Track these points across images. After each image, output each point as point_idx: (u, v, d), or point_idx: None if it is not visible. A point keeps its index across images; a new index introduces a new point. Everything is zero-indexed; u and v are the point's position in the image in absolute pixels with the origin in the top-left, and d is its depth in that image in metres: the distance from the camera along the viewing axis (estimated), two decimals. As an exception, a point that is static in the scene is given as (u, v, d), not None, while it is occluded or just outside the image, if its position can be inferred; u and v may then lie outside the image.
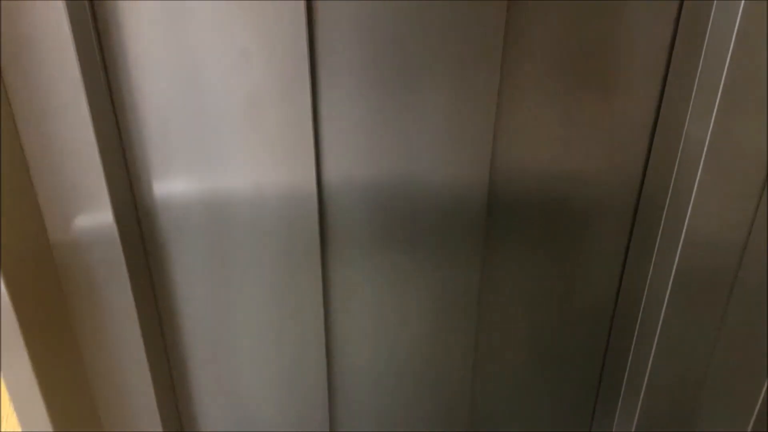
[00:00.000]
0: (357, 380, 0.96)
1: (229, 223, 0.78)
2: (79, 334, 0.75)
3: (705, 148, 0.67)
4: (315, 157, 0.75)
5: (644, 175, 0.81)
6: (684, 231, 0.71)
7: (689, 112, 0.71)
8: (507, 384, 1.01)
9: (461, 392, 0.98)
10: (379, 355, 0.94)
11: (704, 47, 0.67)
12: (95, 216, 0.68)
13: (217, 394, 0.93)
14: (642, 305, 0.83)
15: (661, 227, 0.77)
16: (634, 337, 0.85)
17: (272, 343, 0.88)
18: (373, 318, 0.90)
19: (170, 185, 0.75)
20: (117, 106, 0.70)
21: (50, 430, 0.70)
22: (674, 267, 0.74)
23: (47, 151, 0.65)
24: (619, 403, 0.92)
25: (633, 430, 0.87)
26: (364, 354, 0.94)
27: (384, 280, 0.87)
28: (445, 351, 0.93)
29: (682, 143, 0.72)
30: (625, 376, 0.89)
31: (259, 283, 0.83)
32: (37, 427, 0.70)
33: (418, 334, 0.92)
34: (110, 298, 0.73)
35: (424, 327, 0.91)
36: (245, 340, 0.88)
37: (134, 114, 0.71)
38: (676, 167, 0.74)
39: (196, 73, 0.69)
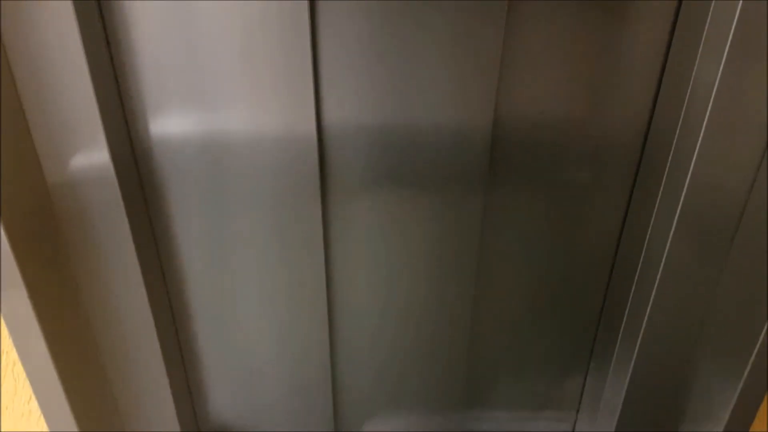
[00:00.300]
0: (357, 321, 0.97)
1: (227, 164, 0.77)
2: (78, 274, 0.75)
3: (714, 92, 0.66)
4: (315, 97, 0.74)
5: (651, 118, 0.80)
6: (689, 174, 0.70)
7: (699, 55, 0.69)
8: (506, 325, 1.02)
9: (460, 333, 0.98)
10: (379, 296, 0.94)
11: (717, -13, 0.65)
12: (91, 156, 0.67)
13: (218, 333, 0.93)
14: (644, 248, 0.82)
15: (667, 170, 0.76)
16: (635, 280, 0.85)
17: (272, 284, 0.89)
18: (373, 260, 0.90)
19: (167, 125, 0.74)
20: (112, 45, 0.68)
21: (51, 365, 0.71)
22: (678, 210, 0.73)
23: (42, 91, 0.64)
24: (617, 346, 0.93)
25: (630, 372, 0.88)
26: (364, 295, 0.94)
27: (385, 223, 0.86)
28: (444, 293, 0.94)
29: (690, 86, 0.71)
30: (624, 319, 0.89)
31: (258, 225, 0.83)
32: (37, 364, 0.71)
33: (418, 274, 0.92)
34: (109, 237, 0.73)
35: (425, 268, 0.91)
36: (245, 281, 0.88)
37: (130, 53, 0.69)
38: (683, 111, 0.73)
39: (192, 10, 0.67)
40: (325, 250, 0.86)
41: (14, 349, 0.71)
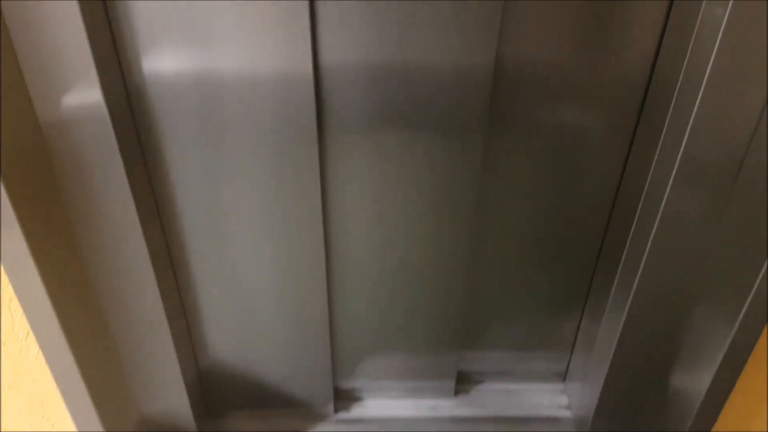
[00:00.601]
0: (355, 262, 0.97)
1: (222, 104, 0.76)
2: (73, 213, 0.75)
3: (719, 36, 0.64)
4: (311, 36, 0.72)
5: (655, 62, 0.79)
6: (692, 117, 0.69)
7: (705, -2, 0.67)
8: (503, 267, 1.03)
9: (458, 275, 0.99)
10: (377, 238, 0.94)
11: None
12: (84, 94, 0.65)
13: (215, 273, 0.94)
14: (644, 193, 0.82)
15: (669, 116, 0.75)
16: (633, 225, 0.85)
17: (269, 225, 0.89)
18: (371, 202, 0.90)
19: (160, 64, 0.72)
20: (101, -22, 0.66)
21: (48, 302, 0.71)
22: (679, 156, 0.72)
23: (32, 28, 0.62)
24: (613, 289, 0.93)
25: (624, 315, 0.89)
26: (362, 237, 0.94)
27: (383, 165, 0.86)
28: (443, 236, 0.94)
29: (695, 30, 0.69)
30: (621, 262, 0.90)
31: (254, 167, 0.82)
32: (34, 300, 0.71)
33: (417, 218, 0.92)
34: (103, 176, 0.72)
35: (424, 211, 0.91)
36: (242, 222, 0.88)
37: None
38: (687, 56, 0.71)
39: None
40: (322, 192, 0.86)
41: (10, 286, 0.71)
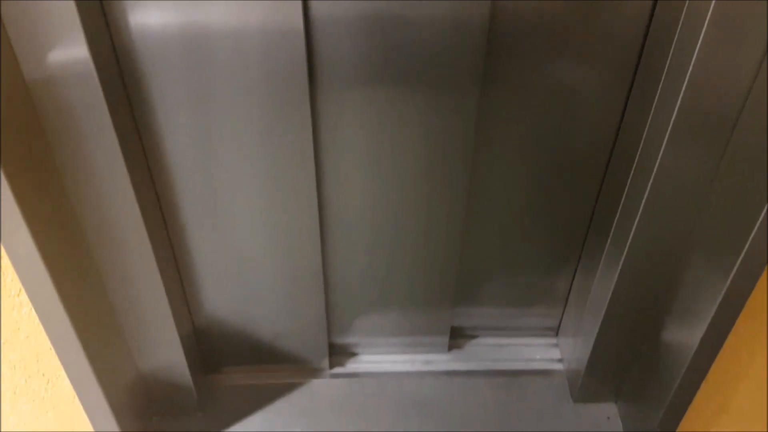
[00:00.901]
0: (348, 218, 0.97)
1: (211, 58, 0.74)
2: (64, 170, 0.74)
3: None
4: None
5: (653, 12, 0.77)
6: (691, 67, 0.68)
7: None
8: (498, 223, 1.03)
9: (452, 231, 0.99)
10: (370, 195, 0.94)
11: None
12: (70, 51, 0.64)
13: (208, 227, 0.93)
14: (640, 146, 0.81)
15: (668, 64, 0.74)
16: (629, 178, 0.85)
17: (262, 182, 0.88)
18: (364, 157, 0.89)
19: (148, 18, 0.70)
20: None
21: (39, 260, 0.71)
22: (676, 108, 0.72)
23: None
24: (607, 244, 0.94)
25: (618, 269, 0.89)
26: (355, 192, 0.93)
27: (376, 120, 0.84)
28: (438, 191, 0.93)
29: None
30: (617, 217, 0.90)
31: (245, 122, 0.81)
32: (24, 257, 0.71)
33: (411, 173, 0.91)
34: (92, 133, 0.71)
35: (418, 166, 0.90)
36: (234, 179, 0.87)
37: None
38: (686, 5, 0.69)
39: None
40: (314, 147, 0.85)
41: (0, 245, 0.71)
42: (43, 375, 0.88)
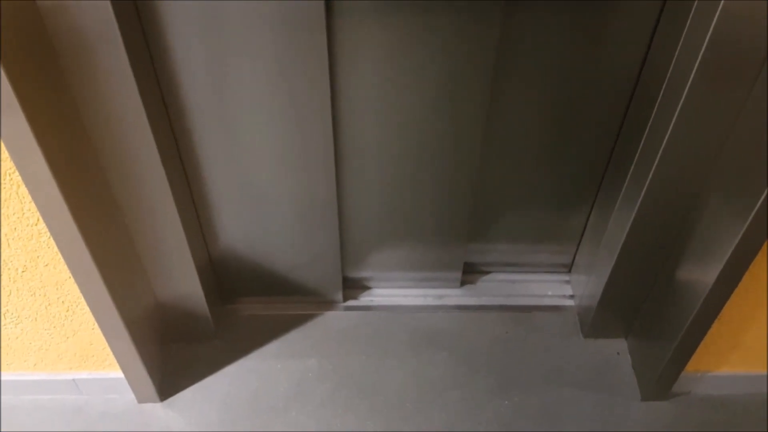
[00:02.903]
0: (364, 152, 0.96)
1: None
2: (78, 97, 0.73)
3: None
4: None
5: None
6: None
7: None
8: (515, 157, 1.02)
9: (469, 164, 0.98)
10: (386, 125, 0.93)
11: None
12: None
13: (222, 163, 0.93)
14: (666, 79, 0.79)
15: None
16: (653, 113, 0.83)
17: (276, 111, 0.87)
18: (382, 85, 0.87)
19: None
20: None
21: (56, 187, 0.71)
22: (706, 39, 0.69)
23: None
24: (627, 180, 0.93)
25: (636, 207, 0.88)
26: (371, 124, 0.92)
27: (395, 45, 0.82)
28: (455, 123, 0.92)
29: None
30: (637, 153, 0.88)
31: (259, 49, 0.79)
32: (42, 185, 0.71)
33: (429, 103, 0.89)
34: (105, 60, 0.70)
35: (436, 96, 0.88)
36: (248, 108, 0.86)
37: None
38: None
39: None
40: (330, 74, 0.83)
41: (17, 171, 0.70)
42: (63, 302, 0.90)
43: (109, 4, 0.65)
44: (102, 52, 0.69)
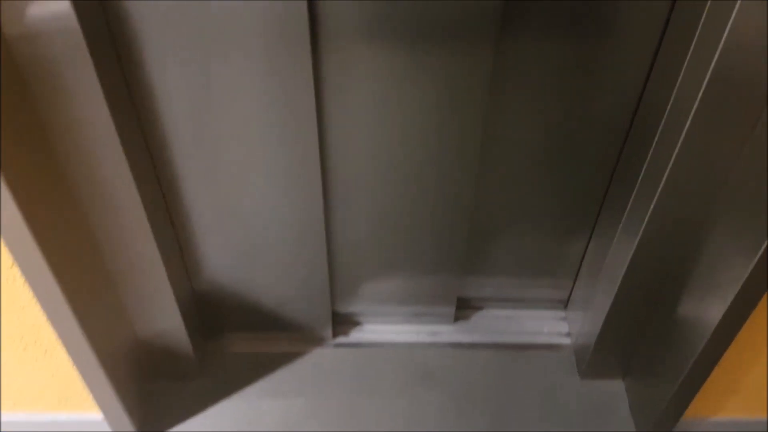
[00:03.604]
0: (353, 183, 0.93)
1: (206, 9, 0.70)
2: (51, 132, 0.70)
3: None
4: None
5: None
6: (727, 30, 0.63)
7: None
8: (510, 186, 0.99)
9: (463, 195, 0.95)
10: (376, 156, 0.90)
11: None
12: (50, 4, 0.60)
13: (206, 194, 0.90)
14: (668, 107, 0.77)
15: (701, 23, 0.69)
16: (654, 142, 0.81)
17: (261, 141, 0.84)
18: (371, 114, 0.84)
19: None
20: None
21: (26, 230, 0.68)
22: (709, 69, 0.67)
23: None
24: (627, 211, 0.90)
25: (637, 239, 0.86)
26: (361, 154, 0.89)
27: (384, 73, 0.79)
28: (447, 153, 0.89)
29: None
30: (638, 183, 0.86)
31: (244, 78, 0.76)
32: (13, 228, 0.68)
33: (420, 133, 0.86)
34: (78, 92, 0.67)
35: (427, 125, 0.86)
36: (232, 138, 0.83)
37: None
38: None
39: None
40: (317, 103, 0.80)
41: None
42: (41, 345, 0.87)
43: (81, 35, 0.63)
44: (75, 85, 0.66)
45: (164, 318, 0.97)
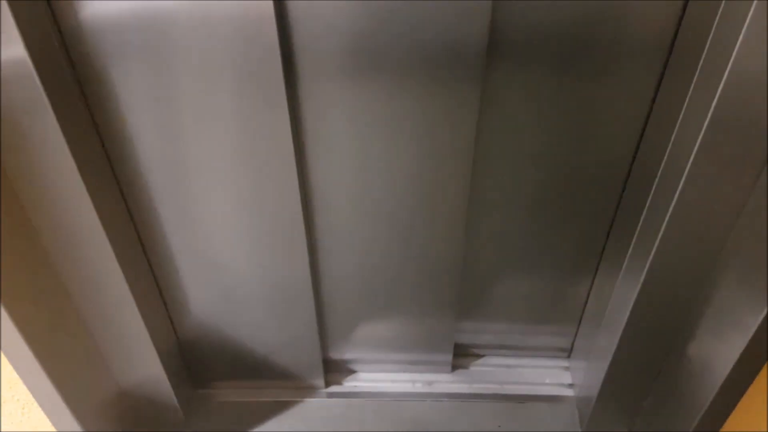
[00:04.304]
0: (339, 226, 0.90)
1: (172, 46, 0.68)
2: (17, 185, 0.69)
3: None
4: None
5: (685, 6, 0.69)
6: (728, 69, 0.61)
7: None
8: (507, 231, 0.96)
9: (454, 239, 0.92)
10: (362, 199, 0.87)
11: None
12: (5, 50, 0.58)
13: (185, 242, 0.88)
14: (669, 145, 0.74)
15: (701, 64, 0.67)
16: (653, 188, 0.78)
17: (239, 185, 0.82)
18: (354, 155, 0.81)
19: (98, 7, 0.64)
20: None
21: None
22: (710, 113, 0.64)
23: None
24: (628, 256, 0.86)
25: (639, 285, 0.82)
26: (345, 197, 0.87)
27: (366, 111, 0.77)
28: (437, 195, 0.86)
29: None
30: (638, 228, 0.83)
31: (215, 118, 0.74)
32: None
33: (407, 174, 0.84)
34: (40, 141, 0.66)
35: (414, 167, 0.83)
36: (209, 183, 0.81)
37: None
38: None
39: None
40: (294, 144, 0.78)
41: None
42: (18, 401, 0.85)
43: (38, 81, 0.61)
44: (35, 133, 0.65)
45: (145, 367, 0.94)
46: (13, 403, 0.85)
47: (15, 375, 0.80)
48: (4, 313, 0.69)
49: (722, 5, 0.63)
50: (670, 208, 0.73)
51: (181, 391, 1.03)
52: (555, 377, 1.13)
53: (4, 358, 0.77)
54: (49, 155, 0.67)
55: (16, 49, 0.58)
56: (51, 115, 0.63)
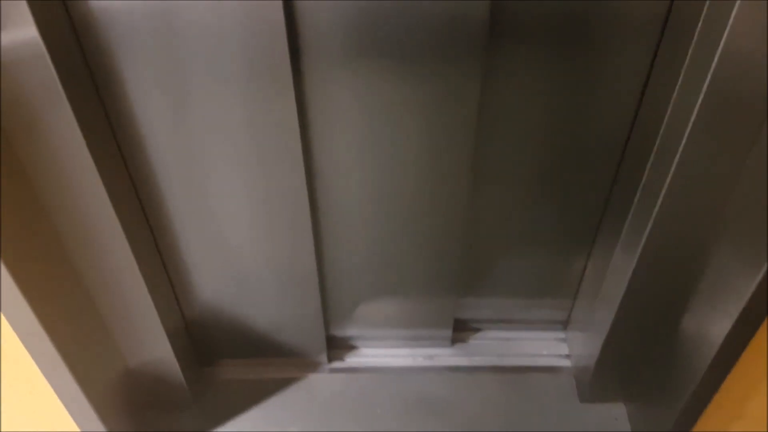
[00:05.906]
0: (342, 206, 0.92)
1: (182, 34, 0.68)
2: (28, 164, 0.69)
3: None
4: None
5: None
6: (722, 45, 0.62)
7: None
8: (505, 207, 0.97)
9: (456, 216, 0.93)
10: (366, 179, 0.88)
11: None
12: (16, 31, 0.58)
13: (192, 221, 0.89)
14: (664, 122, 0.75)
15: (695, 39, 0.68)
16: (651, 158, 0.79)
17: (246, 167, 0.83)
18: (358, 139, 0.83)
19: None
20: None
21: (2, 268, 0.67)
22: (704, 87, 0.65)
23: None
24: (624, 229, 0.88)
25: (636, 257, 0.83)
26: (349, 177, 0.88)
27: (370, 96, 0.78)
28: (439, 174, 0.87)
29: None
30: (635, 201, 0.84)
31: (223, 104, 0.75)
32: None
33: (410, 155, 0.85)
34: (52, 122, 0.66)
35: (417, 146, 0.84)
36: (216, 164, 0.82)
37: None
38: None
39: None
40: (302, 127, 0.79)
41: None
42: (27, 380, 0.85)
43: (50, 63, 0.62)
44: (48, 115, 0.65)
45: (153, 346, 0.95)
46: (22, 383, 0.86)
47: (23, 354, 0.81)
48: (18, 294, 0.70)
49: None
50: (667, 181, 0.74)
51: (187, 369, 1.04)
52: (552, 349, 1.15)
53: (14, 336, 0.79)
54: (62, 140, 0.67)
55: (28, 30, 0.58)
56: (64, 99, 0.63)
